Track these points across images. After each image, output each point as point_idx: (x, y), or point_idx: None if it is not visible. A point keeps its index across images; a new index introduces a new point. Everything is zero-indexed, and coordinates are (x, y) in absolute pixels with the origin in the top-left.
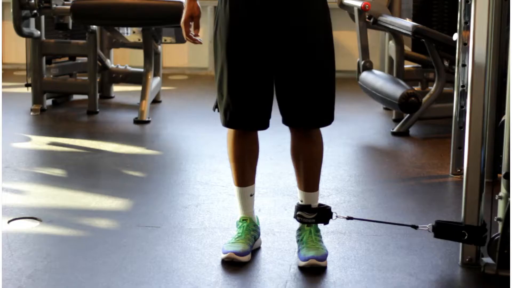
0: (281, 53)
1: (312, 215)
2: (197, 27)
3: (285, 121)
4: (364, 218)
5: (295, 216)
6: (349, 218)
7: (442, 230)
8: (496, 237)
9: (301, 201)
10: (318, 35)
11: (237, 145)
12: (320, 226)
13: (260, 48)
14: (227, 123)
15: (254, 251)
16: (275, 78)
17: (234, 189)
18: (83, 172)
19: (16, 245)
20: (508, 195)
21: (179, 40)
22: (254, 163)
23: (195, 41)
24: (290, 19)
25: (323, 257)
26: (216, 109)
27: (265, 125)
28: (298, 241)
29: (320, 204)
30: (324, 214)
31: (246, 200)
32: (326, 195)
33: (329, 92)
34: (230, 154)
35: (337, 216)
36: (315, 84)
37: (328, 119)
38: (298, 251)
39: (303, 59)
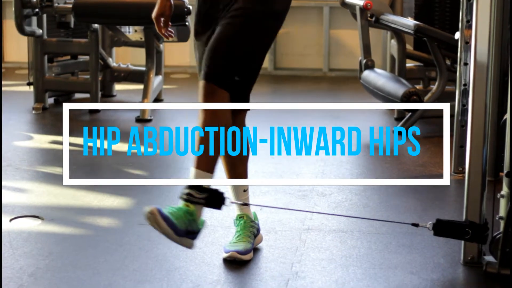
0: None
1: (203, 195)
2: (166, 25)
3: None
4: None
5: (181, 196)
6: (244, 204)
7: (443, 228)
8: (498, 236)
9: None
10: (245, 10)
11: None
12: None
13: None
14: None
15: (256, 249)
16: None
17: (229, 188)
18: (84, 170)
19: (18, 243)
20: (510, 194)
21: (181, 38)
22: (243, 158)
23: (166, 37)
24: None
25: (168, 221)
26: None
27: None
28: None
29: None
30: (215, 197)
31: (240, 197)
32: (328, 193)
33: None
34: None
35: (231, 202)
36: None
37: (224, 80)
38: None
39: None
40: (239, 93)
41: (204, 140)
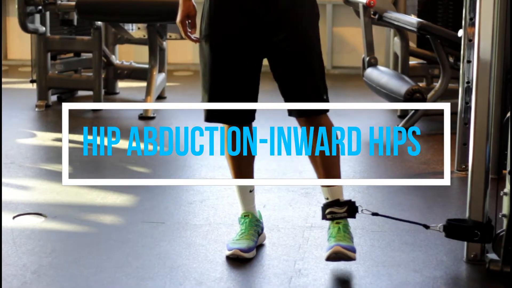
0: (270, 41)
1: (343, 209)
2: (194, 26)
3: (291, 112)
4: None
5: (324, 216)
6: (374, 214)
7: (454, 229)
8: (501, 234)
9: (327, 198)
10: (305, 20)
11: (233, 146)
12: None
13: (241, 42)
14: (207, 117)
15: (259, 247)
16: (272, 68)
17: (233, 186)
18: (88, 168)
19: (21, 240)
20: None
21: None
22: (250, 160)
23: (193, 40)
24: (278, 2)
25: (351, 248)
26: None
27: (245, 119)
28: (327, 239)
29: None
30: (352, 208)
31: (246, 196)
32: None
33: (321, 72)
34: (225, 153)
35: (362, 211)
36: (308, 66)
37: (322, 99)
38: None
39: (296, 43)
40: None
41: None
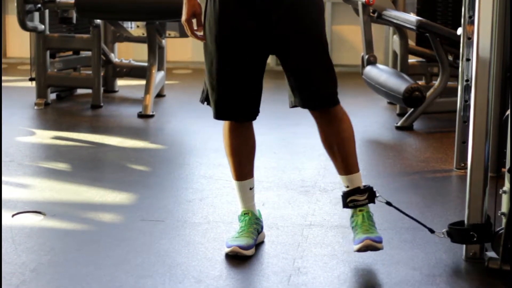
0: (276, 38)
1: (365, 196)
2: (200, 25)
3: (304, 104)
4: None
5: (346, 204)
6: (388, 203)
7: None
8: (500, 232)
9: (347, 187)
10: (311, 14)
11: (232, 139)
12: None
13: (249, 40)
14: (217, 115)
15: (258, 245)
16: (283, 65)
17: (233, 183)
18: (87, 166)
19: (20, 239)
20: None
21: (183, 34)
22: (251, 156)
23: (199, 38)
24: (284, 1)
25: (379, 239)
26: (205, 102)
27: (254, 116)
28: (352, 227)
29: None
30: (372, 193)
31: (246, 194)
32: (330, 189)
33: (329, 64)
34: (226, 148)
35: (378, 196)
36: (317, 58)
37: (334, 92)
38: (354, 237)
39: (302, 39)
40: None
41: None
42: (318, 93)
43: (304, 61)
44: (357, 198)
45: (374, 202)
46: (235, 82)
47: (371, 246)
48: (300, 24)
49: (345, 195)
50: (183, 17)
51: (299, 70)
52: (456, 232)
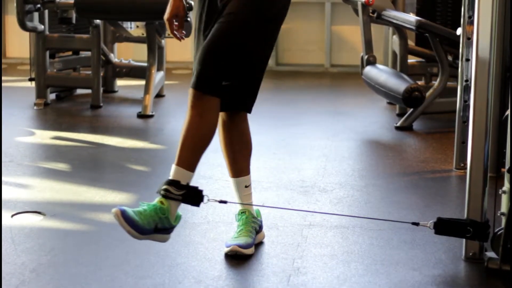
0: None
1: (180, 192)
2: (181, 27)
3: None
4: (363, 215)
5: (159, 191)
6: (221, 201)
7: (444, 227)
8: (500, 232)
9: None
10: (233, 16)
11: (225, 134)
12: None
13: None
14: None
15: (258, 245)
16: None
17: (231, 184)
18: (87, 166)
19: (19, 239)
20: (511, 190)
21: None
22: (245, 153)
23: (178, 38)
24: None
25: (132, 222)
26: None
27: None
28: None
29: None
30: (194, 194)
31: (242, 192)
32: (329, 189)
33: (223, 59)
34: (220, 144)
35: (208, 200)
36: (208, 47)
37: (211, 87)
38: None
39: (212, 30)
40: (235, 98)
41: (187, 141)
42: (197, 70)
43: (210, 35)
44: (171, 190)
45: (196, 205)
46: None
47: (117, 217)
48: (228, 9)
49: (166, 182)
50: (165, 16)
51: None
52: (452, 225)
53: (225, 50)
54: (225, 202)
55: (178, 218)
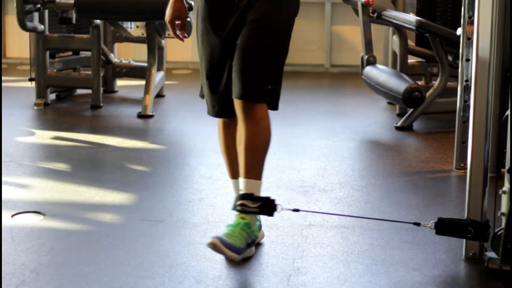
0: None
1: (256, 204)
2: (183, 28)
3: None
4: (364, 215)
5: (235, 207)
6: (295, 210)
7: (445, 227)
8: (500, 232)
9: (241, 190)
10: (265, 22)
11: (225, 136)
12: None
13: (230, 39)
14: (208, 112)
15: (258, 245)
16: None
17: (230, 183)
18: (86, 166)
19: (19, 239)
20: (511, 190)
21: None
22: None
23: (181, 39)
24: (249, 14)
25: (230, 246)
26: (204, 98)
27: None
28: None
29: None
30: (268, 205)
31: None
32: (329, 189)
33: (264, 65)
34: (220, 146)
35: (282, 209)
36: (249, 55)
37: (261, 94)
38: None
39: (245, 37)
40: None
41: (250, 151)
42: (243, 81)
43: (246, 43)
44: (247, 204)
45: (270, 215)
46: (218, 82)
47: (217, 247)
48: (258, 13)
49: (238, 198)
50: (168, 18)
51: (238, 50)
52: (452, 225)
53: (267, 57)
54: (297, 210)
55: (258, 227)
